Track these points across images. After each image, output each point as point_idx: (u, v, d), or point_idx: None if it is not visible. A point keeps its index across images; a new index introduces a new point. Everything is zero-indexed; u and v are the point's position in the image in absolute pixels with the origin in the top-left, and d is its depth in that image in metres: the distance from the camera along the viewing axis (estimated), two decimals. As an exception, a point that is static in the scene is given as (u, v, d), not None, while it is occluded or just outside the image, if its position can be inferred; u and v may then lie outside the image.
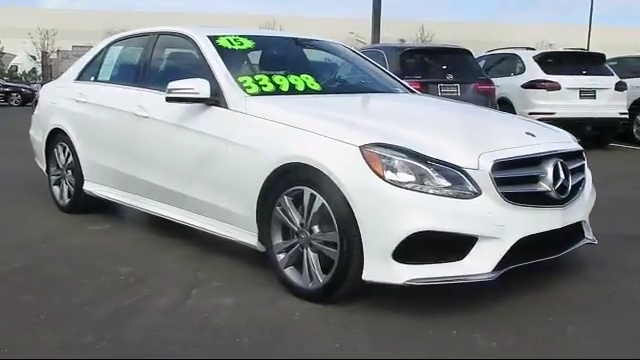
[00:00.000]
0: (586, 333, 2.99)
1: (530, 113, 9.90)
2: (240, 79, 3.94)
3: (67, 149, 5.25)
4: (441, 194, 3.00)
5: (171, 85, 3.90)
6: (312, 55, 4.81)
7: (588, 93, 10.54)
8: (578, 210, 3.50)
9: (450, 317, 3.11)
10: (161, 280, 3.67)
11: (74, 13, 53.67)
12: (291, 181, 3.34)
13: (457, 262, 3.03)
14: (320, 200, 3.19)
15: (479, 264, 3.04)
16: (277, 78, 4.04)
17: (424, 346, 2.83)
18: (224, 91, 3.85)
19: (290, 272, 3.41)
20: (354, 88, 4.56)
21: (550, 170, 3.26)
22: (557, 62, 10.85)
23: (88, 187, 5.07)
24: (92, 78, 5.24)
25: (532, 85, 10.49)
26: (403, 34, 36.74)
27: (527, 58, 10.98)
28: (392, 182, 2.99)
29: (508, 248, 3.08)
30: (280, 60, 4.55)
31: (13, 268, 3.88)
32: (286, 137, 3.40)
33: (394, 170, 3.01)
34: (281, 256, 3.46)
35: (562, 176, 3.30)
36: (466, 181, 3.04)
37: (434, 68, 9.28)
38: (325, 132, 3.25)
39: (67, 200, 5.33)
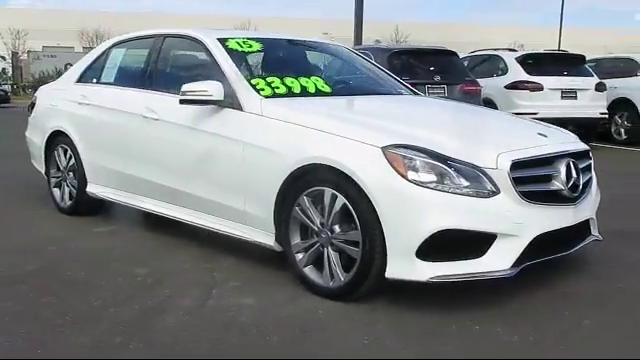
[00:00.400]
0: (602, 327, 3.10)
1: (513, 113, 10.06)
2: (253, 81, 3.99)
3: (69, 151, 5.23)
4: (462, 193, 3.09)
5: (185, 87, 3.93)
6: (318, 57, 4.89)
7: (569, 94, 10.77)
8: (587, 208, 3.62)
9: (469, 313, 3.20)
10: (178, 281, 3.71)
11: (45, 13, 52.84)
12: (311, 182, 3.40)
13: (477, 259, 3.12)
14: (342, 200, 3.25)
15: (498, 261, 3.13)
16: (288, 80, 4.09)
17: (449, 341, 2.92)
18: (238, 93, 3.89)
19: (309, 271, 3.47)
20: (362, 90, 4.63)
21: (563, 169, 3.37)
22: (539, 63, 11.06)
23: (91, 189, 5.07)
24: (94, 80, 5.24)
25: (515, 86, 10.68)
26: (377, 35, 36.84)
27: (509, 59, 11.17)
28: (415, 182, 3.07)
29: (526, 245, 3.18)
30: (288, 62, 4.61)
31: (28, 271, 3.87)
32: (306, 139, 3.46)
33: (416, 170, 3.09)
34: (300, 255, 3.51)
35: (574, 175, 3.42)
36: (485, 180, 3.13)
37: (421, 69, 9.39)
38: (345, 134, 3.31)
39: (68, 202, 5.32)
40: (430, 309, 3.24)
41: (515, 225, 3.16)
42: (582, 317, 3.21)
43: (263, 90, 3.93)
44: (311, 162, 3.38)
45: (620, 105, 11.80)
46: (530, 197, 3.22)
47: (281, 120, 3.64)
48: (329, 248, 3.36)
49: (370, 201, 3.13)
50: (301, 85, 4.10)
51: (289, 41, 4.87)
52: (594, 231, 3.79)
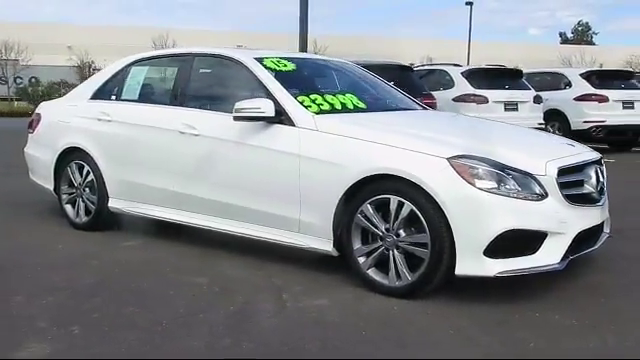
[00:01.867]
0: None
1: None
2: (299, 99, 4.27)
3: (85, 167, 5.29)
4: (518, 197, 3.51)
5: (238, 105, 4.17)
6: (342, 75, 5.21)
7: (511, 106, 11.60)
8: (606, 208, 4.13)
9: (525, 303, 3.62)
10: (243, 287, 3.92)
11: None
12: (375, 191, 3.73)
13: (532, 255, 3.55)
14: (409, 206, 3.60)
15: (549, 256, 3.57)
16: (328, 97, 4.40)
17: (518, 328, 3.31)
18: (288, 110, 4.16)
19: (373, 273, 3.79)
20: (391, 106, 4.98)
21: (593, 175, 3.88)
22: (482, 77, 11.85)
23: (114, 204, 5.16)
24: (113, 97, 5.33)
25: (462, 99, 11.39)
26: (296, 47, 37.51)
27: (455, 74, 11.90)
28: (481, 188, 3.46)
29: (570, 241, 3.63)
30: (321, 80, 4.92)
31: (90, 284, 3.98)
32: (369, 152, 3.78)
33: (480, 178, 3.49)
34: (362, 259, 3.82)
35: (600, 179, 3.93)
36: (536, 185, 3.57)
37: (381, 84, 9.85)
38: (410, 146, 3.67)
39: (84, 218, 5.37)
40: (490, 301, 3.62)
41: (561, 224, 3.61)
42: (618, 303, 3.70)
43: (310, 107, 4.22)
44: (375, 173, 3.71)
45: (552, 116, 12.76)
46: (571, 199, 3.68)
47: (339, 135, 3.94)
48: (395, 250, 3.69)
49: (438, 206, 3.50)
50: (340, 102, 4.42)
51: (315, 60, 5.18)
52: (607, 228, 4.31)
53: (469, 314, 3.48)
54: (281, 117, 4.17)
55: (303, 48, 14.57)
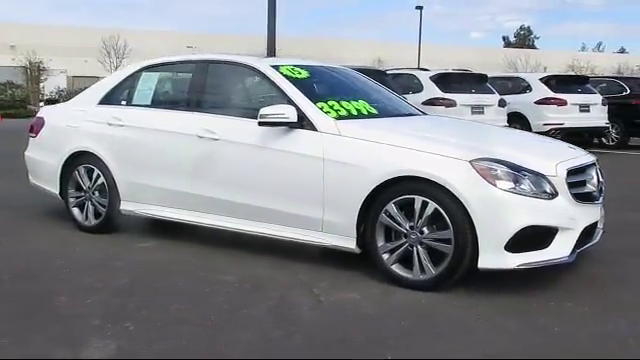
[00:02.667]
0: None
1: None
2: (318, 105, 4.51)
3: (95, 171, 5.39)
4: (534, 196, 3.84)
5: (263, 111, 4.38)
6: (351, 82, 5.46)
7: (478, 109, 12.07)
8: (601, 206, 4.51)
9: (539, 293, 3.95)
10: (274, 284, 4.13)
11: None
12: (399, 191, 4.00)
13: (545, 249, 3.88)
14: (433, 205, 3.88)
15: (560, 250, 3.91)
16: (344, 103, 4.66)
17: (539, 315, 3.62)
18: (310, 115, 4.40)
19: (397, 268, 4.06)
20: (398, 111, 5.25)
21: (594, 175, 4.25)
22: (450, 81, 12.29)
23: (126, 207, 5.28)
24: (123, 102, 5.45)
25: (432, 102, 11.77)
26: (252, 48, 37.46)
27: (424, 78, 12.31)
28: (502, 188, 3.78)
29: (578, 236, 3.99)
30: (334, 87, 5.15)
31: (124, 284, 4.12)
32: (393, 155, 4.06)
33: (500, 178, 3.80)
34: (386, 256, 4.09)
35: (600, 179, 4.30)
36: (548, 185, 3.90)
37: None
38: (433, 150, 3.97)
39: (94, 221, 5.46)
40: (508, 292, 3.93)
41: (570, 220, 3.95)
42: (621, 291, 4.08)
43: (329, 112, 4.47)
44: (400, 175, 3.99)
45: (513, 118, 13.29)
46: (577, 197, 4.03)
47: (363, 139, 4.20)
48: (419, 247, 3.97)
49: (462, 205, 3.79)
50: (355, 108, 4.68)
51: (324, 67, 5.42)
52: (600, 224, 4.68)
53: (490, 304, 3.78)
54: (302, 122, 4.40)
55: (272, 50, 14.74)
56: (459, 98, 11.86)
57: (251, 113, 4.63)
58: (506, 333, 3.38)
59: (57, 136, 5.73)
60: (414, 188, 3.96)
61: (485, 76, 12.86)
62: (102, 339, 3.20)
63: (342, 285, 4.10)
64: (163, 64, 5.50)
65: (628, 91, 14.69)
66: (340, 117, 4.48)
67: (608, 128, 13.82)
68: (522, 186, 3.84)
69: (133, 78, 5.50)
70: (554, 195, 3.91)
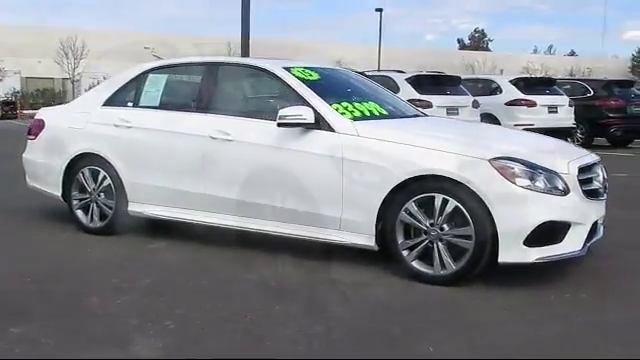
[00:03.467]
0: (645, 289, 4.22)
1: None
2: (333, 106, 4.61)
3: (101, 172, 5.38)
4: (549, 193, 4.02)
5: (282, 112, 4.46)
6: (359, 84, 5.58)
7: (453, 110, 12.32)
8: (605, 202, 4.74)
9: (552, 286, 4.12)
10: (297, 281, 4.23)
11: None
12: (419, 190, 4.14)
13: (559, 243, 4.06)
14: (453, 203, 4.03)
15: (573, 244, 4.11)
16: (357, 105, 4.77)
17: (559, 306, 3.81)
18: (326, 117, 4.50)
19: (417, 264, 4.19)
20: (405, 112, 5.39)
21: (600, 172, 4.46)
22: (425, 83, 12.53)
23: (134, 208, 5.29)
24: (129, 104, 5.45)
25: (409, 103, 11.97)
26: (212, 51, 37.43)
27: (400, 80, 12.51)
28: (520, 186, 3.95)
29: (588, 230, 4.19)
30: (344, 89, 5.25)
31: (149, 284, 4.14)
32: (412, 154, 4.19)
33: (518, 176, 3.98)
34: (406, 252, 4.22)
35: (605, 177, 4.52)
36: (562, 182, 4.09)
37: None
38: (452, 149, 4.12)
39: (99, 223, 5.45)
40: (521, 286, 4.10)
41: (582, 215, 4.15)
42: (624, 283, 4.30)
43: (344, 114, 4.58)
44: (420, 174, 4.12)
45: (484, 119, 13.59)
46: (587, 194, 4.23)
47: (381, 139, 4.32)
48: (439, 243, 4.11)
49: (482, 202, 3.95)
50: (367, 109, 4.80)
51: (333, 69, 5.53)
52: (600, 220, 4.91)
53: (510, 297, 3.95)
54: (320, 123, 4.50)
55: (245, 52, 14.77)
56: (435, 99, 12.09)
57: (265, 114, 4.72)
58: (532, 323, 3.54)
59: (59, 138, 5.68)
60: (434, 186, 4.10)
61: (459, 78, 13.17)
62: (146, 338, 3.24)
63: (365, 282, 4.21)
64: (170, 66, 5.52)
65: (592, 93, 15.23)
66: (355, 118, 4.60)
67: (575, 128, 14.29)
68: (537, 183, 4.01)
69: (139, 80, 5.51)
70: (566, 192, 4.10)
